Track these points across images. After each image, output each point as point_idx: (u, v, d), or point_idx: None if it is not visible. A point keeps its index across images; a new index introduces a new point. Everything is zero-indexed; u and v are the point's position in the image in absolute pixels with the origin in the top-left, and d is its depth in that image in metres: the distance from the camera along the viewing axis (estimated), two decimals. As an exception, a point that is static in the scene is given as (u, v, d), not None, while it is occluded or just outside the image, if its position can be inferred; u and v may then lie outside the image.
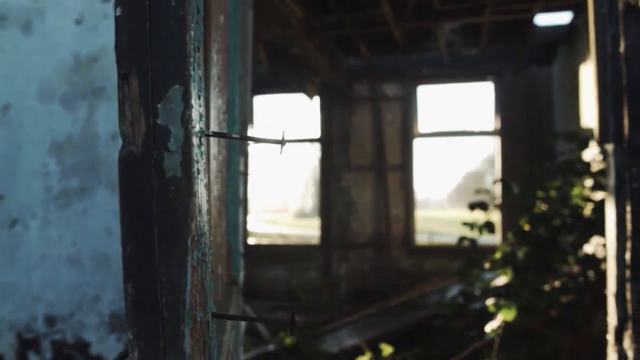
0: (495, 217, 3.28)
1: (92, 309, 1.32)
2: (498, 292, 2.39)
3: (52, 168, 1.36)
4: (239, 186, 1.22)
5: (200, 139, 0.44)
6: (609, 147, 1.16)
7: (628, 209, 1.10)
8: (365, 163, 5.20)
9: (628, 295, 1.09)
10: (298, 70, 4.66)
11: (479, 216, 2.81)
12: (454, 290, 4.03)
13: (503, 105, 4.95)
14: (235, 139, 0.52)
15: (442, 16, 4.04)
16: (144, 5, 0.37)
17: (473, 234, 2.82)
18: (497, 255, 2.53)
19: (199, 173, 0.41)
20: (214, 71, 0.80)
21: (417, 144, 5.20)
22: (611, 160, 1.15)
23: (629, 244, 1.09)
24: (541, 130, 4.66)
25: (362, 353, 3.13)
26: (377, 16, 4.02)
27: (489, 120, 5.13)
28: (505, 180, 2.63)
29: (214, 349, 0.49)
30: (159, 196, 0.37)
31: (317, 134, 5.38)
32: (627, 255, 1.10)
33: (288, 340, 3.34)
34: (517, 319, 2.09)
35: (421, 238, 7.19)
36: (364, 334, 3.72)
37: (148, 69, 0.37)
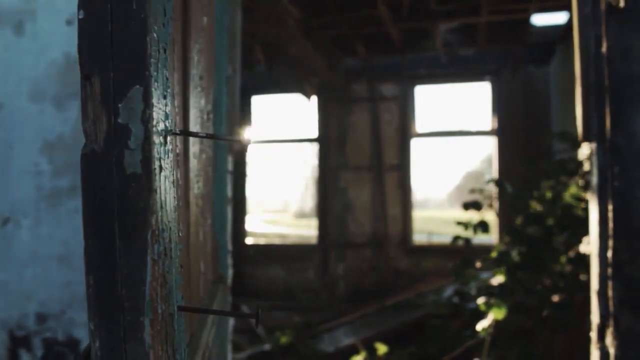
0: (492, 216, 3.29)
1: (82, 306, 1.34)
2: (491, 292, 2.40)
3: (44, 167, 1.37)
4: (227, 185, 1.23)
5: (165, 137, 0.45)
6: (592, 146, 1.17)
7: (610, 207, 1.11)
8: (362, 163, 5.21)
9: (610, 293, 1.10)
10: (296, 70, 4.68)
11: (477, 216, 2.82)
12: (450, 290, 4.04)
13: (500, 105, 4.95)
14: (202, 137, 0.54)
15: (438, 16, 4.05)
16: (105, 9, 0.38)
17: (469, 233, 2.83)
18: (493, 254, 2.54)
19: (161, 170, 0.43)
20: (195, 71, 0.82)
21: (415, 143, 5.22)
22: (594, 159, 1.16)
23: (610, 242, 1.10)
24: (538, 130, 4.66)
25: (358, 352, 3.14)
26: (373, 16, 4.03)
27: (487, 120, 5.14)
28: (499, 180, 2.64)
29: (181, 341, 0.50)
30: (120, 192, 0.38)
31: (314, 133, 5.39)
32: (609, 254, 1.11)
33: (284, 340, 3.35)
34: (509, 318, 2.10)
35: (420, 238, 7.19)
36: (360, 333, 3.73)
37: (109, 70, 0.38)
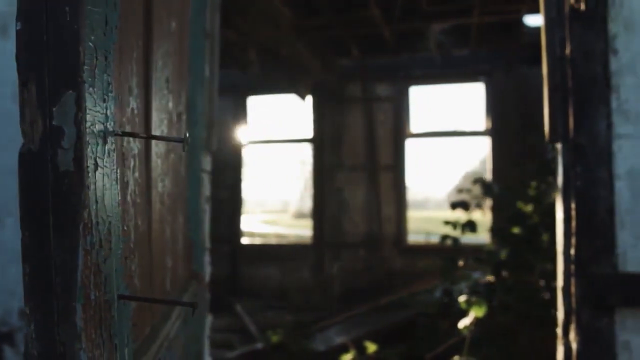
0: (480, 216, 3.32)
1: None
2: (476, 290, 2.43)
3: (28, 167, 1.41)
4: (202, 185, 1.27)
5: (104, 138, 0.49)
6: (558, 146, 1.20)
7: (573, 206, 1.13)
8: (357, 163, 5.24)
9: (573, 290, 1.13)
10: (290, 71, 4.72)
11: (465, 216, 2.85)
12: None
13: (494, 106, 4.97)
14: (143, 138, 0.57)
15: (430, 17, 4.08)
16: (41, 20, 0.42)
17: (457, 233, 2.86)
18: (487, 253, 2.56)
19: (97, 168, 0.46)
20: (160, 74, 0.85)
21: (410, 144, 5.24)
22: (559, 159, 1.19)
23: (573, 240, 1.13)
24: (532, 130, 4.68)
25: (348, 351, 3.17)
26: (366, 17, 4.06)
27: (481, 120, 5.16)
28: (484, 180, 2.67)
29: (123, 328, 0.53)
30: (54, 188, 0.42)
31: (309, 134, 5.43)
32: (572, 252, 1.13)
33: (275, 339, 3.38)
34: (493, 316, 2.13)
35: (419, 238, 7.20)
36: (352, 332, 3.76)
37: (44, 76, 0.42)
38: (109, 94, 0.51)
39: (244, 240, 5.86)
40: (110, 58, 0.51)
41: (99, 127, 0.47)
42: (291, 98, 5.87)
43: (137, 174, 0.72)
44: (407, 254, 5.18)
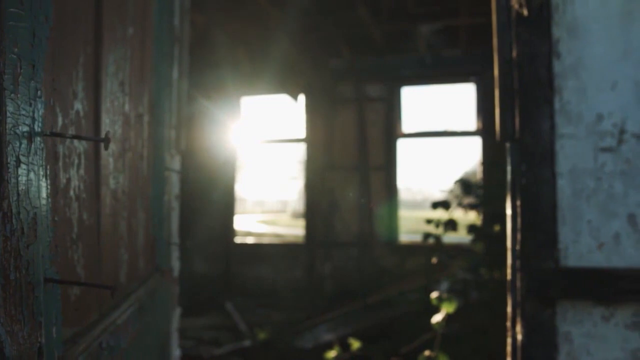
0: (465, 216, 3.36)
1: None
2: (453, 288, 2.48)
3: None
4: (167, 183, 1.32)
5: (30, 138, 0.54)
6: (507, 145, 1.25)
7: (518, 203, 1.18)
8: (349, 163, 5.29)
9: (518, 283, 1.18)
10: (281, 71, 4.77)
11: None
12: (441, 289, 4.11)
13: (484, 106, 5.01)
14: (67, 138, 0.62)
15: (417, 18, 4.13)
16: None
17: (444, 231, 2.90)
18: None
19: (20, 164, 0.51)
20: (112, 78, 0.91)
21: (403, 144, 5.29)
22: (508, 158, 1.24)
23: (519, 236, 1.18)
24: (521, 131, 4.71)
25: (334, 348, 3.22)
26: (355, 18, 4.12)
27: (472, 120, 5.20)
28: (464, 180, 2.72)
29: (50, 308, 0.59)
30: (-26, 182, 0.47)
31: (302, 134, 5.48)
32: (518, 247, 1.18)
33: (262, 336, 3.44)
34: (470, 313, 2.18)
35: (417, 238, 7.24)
36: (340, 330, 3.81)
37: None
38: (37, 99, 0.56)
39: (238, 240, 5.92)
40: (39, 66, 0.57)
41: (23, 128, 0.53)
42: (284, 98, 5.93)
43: (82, 171, 0.78)
44: (398, 253, 5.22)
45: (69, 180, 0.72)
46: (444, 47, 4.78)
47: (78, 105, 0.77)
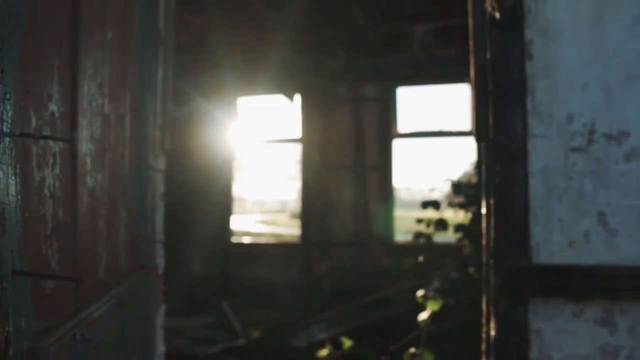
0: (455, 215, 3.39)
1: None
2: (443, 287, 2.50)
3: None
4: (154, 182, 1.35)
5: (-3, 138, 0.57)
6: (482, 145, 1.27)
7: (492, 202, 1.21)
8: (345, 163, 5.32)
9: (492, 282, 1.20)
10: (277, 72, 4.80)
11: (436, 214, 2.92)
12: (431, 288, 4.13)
13: (480, 107, 5.02)
14: (35, 138, 0.65)
15: (412, 19, 4.16)
16: None
17: (434, 231, 2.92)
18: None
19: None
20: (90, 81, 0.94)
21: (399, 144, 5.32)
22: (483, 158, 1.26)
23: (492, 234, 1.20)
24: (516, 131, 4.72)
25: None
26: (350, 18, 4.14)
27: (468, 120, 5.19)
28: (454, 180, 2.74)
29: (17, 299, 0.62)
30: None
31: (297, 134, 5.51)
32: (491, 245, 1.21)
33: (255, 335, 3.47)
34: (458, 311, 2.20)
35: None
36: (334, 329, 3.83)
37: None
38: (6, 101, 0.59)
39: (235, 240, 5.96)
40: (9, 70, 0.60)
41: (-11, 128, 0.56)
42: (280, 99, 5.96)
43: (57, 170, 0.81)
44: (394, 253, 5.24)
45: (43, 178, 0.75)
46: (439, 48, 4.80)
47: (53, 107, 0.80)
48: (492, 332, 1.20)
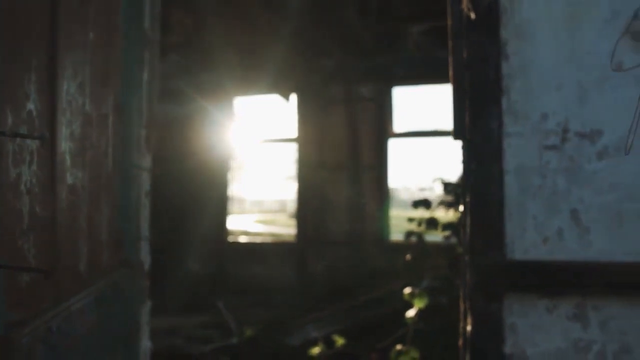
0: (445, 214, 3.41)
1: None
2: (434, 285, 2.52)
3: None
4: (139, 180, 1.38)
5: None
6: (460, 144, 1.29)
7: (468, 200, 1.23)
8: (340, 162, 5.34)
9: (468, 278, 1.23)
10: (272, 72, 4.83)
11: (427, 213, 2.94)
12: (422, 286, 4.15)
13: (475, 107, 5.05)
14: (6, 136, 0.68)
15: (406, 19, 4.18)
16: None
17: (425, 229, 2.95)
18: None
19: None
20: (70, 81, 0.96)
21: (394, 144, 5.33)
22: (461, 156, 1.28)
23: (468, 231, 1.23)
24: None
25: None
26: (344, 19, 4.17)
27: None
28: (443, 179, 2.76)
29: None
30: None
31: (293, 133, 5.54)
32: (467, 242, 1.23)
33: (249, 333, 3.50)
34: (450, 309, 2.22)
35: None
36: (328, 328, 3.86)
37: None
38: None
39: (232, 239, 5.98)
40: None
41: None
42: (276, 99, 5.99)
43: (35, 167, 0.84)
44: (389, 252, 5.26)
45: (19, 175, 0.78)
46: (434, 48, 4.82)
47: (31, 106, 0.82)
48: (468, 328, 1.22)
